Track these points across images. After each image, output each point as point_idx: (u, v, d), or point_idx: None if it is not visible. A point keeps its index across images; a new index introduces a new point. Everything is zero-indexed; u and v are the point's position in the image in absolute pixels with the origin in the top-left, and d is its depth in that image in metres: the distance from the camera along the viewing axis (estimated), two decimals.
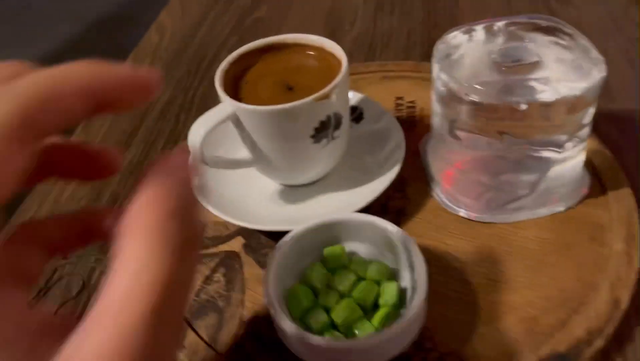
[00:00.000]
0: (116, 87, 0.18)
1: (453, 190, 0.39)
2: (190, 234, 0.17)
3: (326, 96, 0.33)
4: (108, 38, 2.24)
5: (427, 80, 0.50)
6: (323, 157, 0.37)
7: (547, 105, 0.32)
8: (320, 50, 0.38)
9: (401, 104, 0.47)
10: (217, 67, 0.36)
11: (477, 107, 0.33)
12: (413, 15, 0.63)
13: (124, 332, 0.14)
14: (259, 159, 0.36)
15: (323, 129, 0.35)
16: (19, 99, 0.16)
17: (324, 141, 0.35)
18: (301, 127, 0.34)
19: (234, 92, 0.35)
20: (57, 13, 2.43)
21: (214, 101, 0.35)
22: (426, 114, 0.46)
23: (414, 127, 0.45)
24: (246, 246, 0.37)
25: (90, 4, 2.43)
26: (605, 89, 0.48)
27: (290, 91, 0.35)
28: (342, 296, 0.31)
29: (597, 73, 0.32)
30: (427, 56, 0.56)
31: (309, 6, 0.67)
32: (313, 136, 0.34)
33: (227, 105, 0.33)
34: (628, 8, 0.59)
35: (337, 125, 0.36)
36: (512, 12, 0.61)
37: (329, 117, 0.34)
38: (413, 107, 0.47)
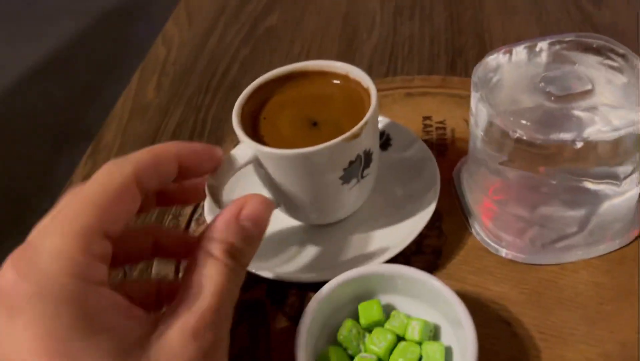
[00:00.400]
0: (195, 156, 0.27)
1: (493, 226, 0.35)
2: (248, 260, 0.26)
3: (356, 135, 0.30)
4: (113, 33, 2.21)
5: (456, 96, 0.47)
6: (352, 197, 0.34)
7: (597, 142, 0.29)
8: (344, 78, 0.34)
9: (430, 125, 0.44)
10: (229, 82, 0.34)
11: (524, 143, 0.30)
12: (434, 20, 0.59)
13: (203, 314, 0.22)
14: (281, 201, 0.33)
15: (352, 169, 0.31)
16: (134, 164, 0.24)
17: (354, 181, 0.32)
18: (329, 169, 0.31)
19: (253, 130, 0.32)
20: (62, 8, 2.41)
21: (228, 122, 0.32)
22: (458, 136, 0.42)
23: (445, 150, 0.41)
24: (270, 294, 0.34)
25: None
26: None
27: (314, 127, 0.32)
28: (379, 360, 0.28)
29: None
30: (452, 66, 0.53)
31: (324, 12, 0.64)
32: (342, 177, 0.31)
33: (247, 148, 0.30)
34: None
35: (368, 163, 0.32)
36: (541, 13, 0.57)
37: (358, 156, 0.31)
38: (443, 128, 0.43)
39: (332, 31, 0.60)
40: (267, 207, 0.27)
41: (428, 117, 0.44)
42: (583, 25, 0.54)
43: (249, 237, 0.25)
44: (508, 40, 0.54)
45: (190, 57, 0.60)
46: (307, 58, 0.57)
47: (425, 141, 0.42)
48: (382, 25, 0.59)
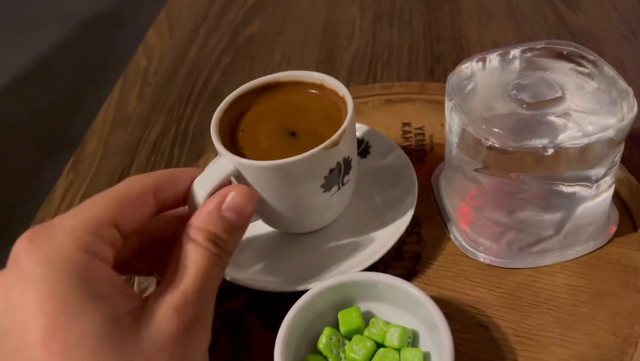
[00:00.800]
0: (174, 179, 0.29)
1: (471, 231, 0.36)
2: (231, 248, 0.28)
3: (335, 143, 0.30)
4: (98, 39, 2.20)
5: (435, 102, 0.47)
6: (334, 204, 0.34)
7: (568, 148, 0.29)
8: (320, 87, 0.35)
9: (409, 131, 0.44)
10: (211, 91, 0.34)
11: (496, 150, 0.30)
12: (413, 27, 0.59)
13: (185, 293, 0.25)
14: (263, 211, 0.33)
15: (333, 177, 0.32)
16: (155, 176, 0.28)
17: (335, 188, 0.33)
18: (310, 178, 0.31)
19: (232, 142, 0.32)
20: (46, 15, 2.39)
21: (209, 132, 0.32)
22: (437, 142, 0.43)
23: (424, 156, 0.42)
24: (250, 304, 0.35)
25: (79, 4, 2.39)
26: None
27: (293, 137, 0.32)
28: None
29: (627, 109, 0.30)
30: (432, 73, 0.53)
31: (304, 20, 0.64)
32: (323, 185, 0.32)
33: (226, 161, 0.30)
34: None
35: (347, 170, 0.33)
36: (516, 18, 0.58)
37: (338, 164, 0.32)
38: (422, 134, 0.44)
39: (312, 39, 0.60)
40: (250, 198, 0.28)
41: (407, 124, 0.45)
42: (559, 30, 0.55)
43: (231, 227, 0.27)
44: (485, 46, 0.55)
45: (171, 67, 0.60)
46: (288, 66, 0.57)
47: (405, 147, 0.42)
48: (362, 32, 0.60)
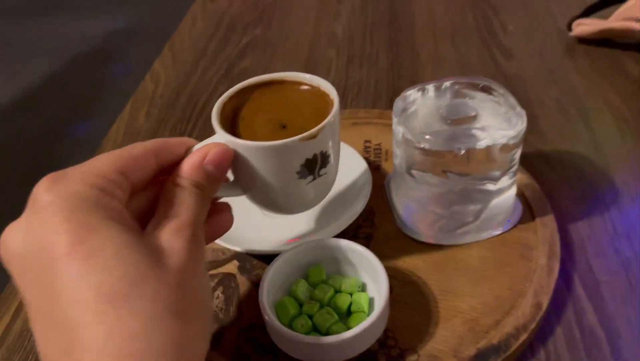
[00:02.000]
0: (171, 146, 0.34)
1: (412, 219, 0.47)
2: (212, 193, 0.33)
3: (313, 137, 0.36)
4: (85, 74, 2.31)
5: (390, 125, 0.59)
6: (309, 193, 0.39)
7: (482, 150, 0.41)
8: (316, 89, 0.40)
9: (369, 147, 0.55)
10: (209, 113, 0.38)
11: (427, 153, 0.41)
12: (379, 67, 0.72)
13: (182, 219, 0.29)
14: (247, 188, 0.39)
15: (309, 166, 0.37)
16: (155, 142, 0.33)
17: (310, 177, 0.38)
18: (286, 163, 0.36)
19: (232, 127, 0.37)
20: (35, 49, 2.51)
21: None
22: (390, 155, 0.54)
23: (380, 166, 0.53)
24: (240, 268, 0.44)
25: (68, 41, 2.51)
26: (539, 132, 0.58)
27: (284, 129, 0.38)
28: (322, 305, 0.39)
29: (520, 125, 0.41)
30: (391, 104, 0.65)
31: (288, 58, 0.76)
32: (298, 172, 0.37)
33: (219, 137, 0.36)
34: (562, 61, 0.69)
35: (324, 163, 0.38)
36: (463, 65, 0.71)
37: (315, 156, 0.37)
38: (379, 149, 0.55)
39: None
40: (226, 153, 0.34)
41: (368, 141, 0.56)
42: (496, 74, 0.68)
43: (211, 177, 0.33)
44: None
45: (174, 92, 0.71)
46: None
47: (365, 158, 0.53)
48: (337, 70, 0.72)
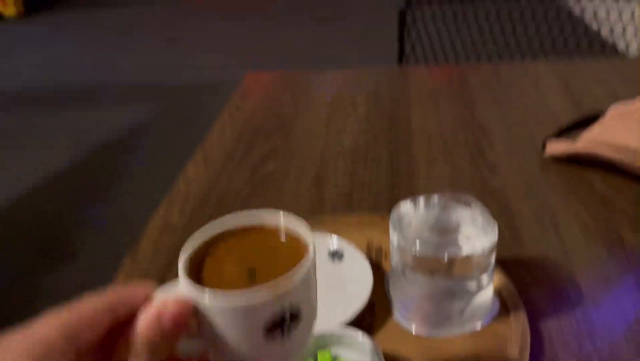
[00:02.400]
0: (129, 297, 0.32)
1: (407, 313, 0.55)
2: (166, 353, 0.32)
3: (280, 293, 0.31)
4: (107, 163, 2.50)
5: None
6: (276, 352, 0.34)
7: (462, 257, 0.51)
8: (292, 232, 0.36)
9: (371, 247, 0.65)
10: (234, 210, 0.40)
11: (417, 258, 0.51)
12: (380, 178, 0.83)
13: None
14: (210, 348, 0.34)
15: (276, 327, 0.32)
16: (108, 295, 0.32)
17: (279, 339, 0.33)
18: (251, 324, 0.32)
19: (197, 270, 0.34)
20: (63, 137, 2.73)
21: None
22: (389, 257, 0.64)
23: (380, 265, 0.63)
24: None
25: (92, 132, 2.73)
26: (518, 239, 0.67)
27: (252, 278, 0.34)
28: None
29: (493, 236, 0.51)
30: (390, 207, 0.76)
31: (303, 165, 0.88)
32: (265, 333, 0.32)
33: (181, 285, 0.33)
34: (538, 177, 0.80)
35: (295, 322, 0.33)
36: (453, 178, 0.82)
37: (283, 314, 0.32)
38: (380, 250, 0.65)
39: (308, 178, 0.83)
40: (185, 308, 0.31)
41: (371, 242, 0.66)
42: (483, 188, 0.79)
43: (167, 335, 0.31)
44: (430, 184, 0.78)
45: (204, 193, 0.83)
46: (293, 197, 0.79)
47: (368, 256, 0.63)
48: (345, 175, 0.83)
